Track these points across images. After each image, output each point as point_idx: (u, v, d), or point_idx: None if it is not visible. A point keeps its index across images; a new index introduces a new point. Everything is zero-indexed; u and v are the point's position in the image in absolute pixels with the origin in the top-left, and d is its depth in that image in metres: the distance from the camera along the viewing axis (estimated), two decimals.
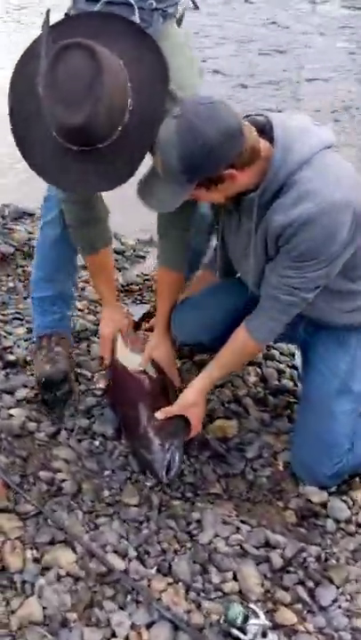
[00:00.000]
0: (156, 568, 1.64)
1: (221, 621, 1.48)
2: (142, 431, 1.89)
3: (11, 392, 2.17)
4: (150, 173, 1.62)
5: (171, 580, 1.61)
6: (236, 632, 1.45)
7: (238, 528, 1.75)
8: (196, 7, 1.88)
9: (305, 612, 1.56)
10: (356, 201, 1.57)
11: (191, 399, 1.87)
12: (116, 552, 1.66)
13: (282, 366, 2.37)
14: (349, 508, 1.82)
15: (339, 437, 1.81)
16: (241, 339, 1.82)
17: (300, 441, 1.89)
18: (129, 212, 2.93)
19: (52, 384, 2.10)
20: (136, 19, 1.64)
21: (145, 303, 2.70)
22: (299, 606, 1.57)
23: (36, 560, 1.63)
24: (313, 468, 1.83)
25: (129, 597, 1.55)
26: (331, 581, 1.62)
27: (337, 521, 1.78)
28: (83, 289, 2.76)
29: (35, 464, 1.92)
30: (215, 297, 2.07)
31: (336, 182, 1.55)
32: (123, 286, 2.82)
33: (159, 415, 1.87)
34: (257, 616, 1.47)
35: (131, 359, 2.11)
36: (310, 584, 1.61)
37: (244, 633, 1.44)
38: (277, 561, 1.65)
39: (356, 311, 1.84)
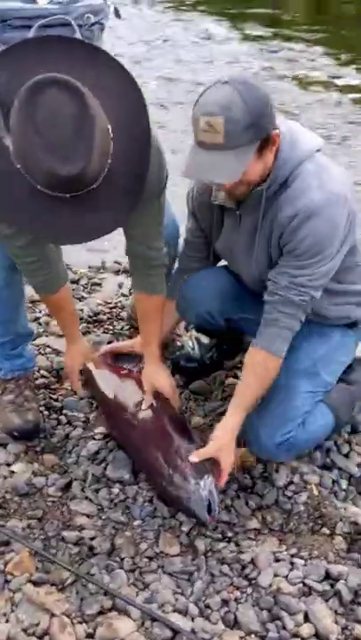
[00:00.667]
0: (220, 621, 1.50)
1: None
2: (171, 471, 1.74)
3: (3, 444, 1.96)
4: (198, 150, 1.54)
5: (242, 632, 1.48)
6: None
7: (293, 563, 1.64)
8: (118, 16, 1.79)
9: None
10: (350, 198, 1.67)
11: (226, 440, 1.75)
12: (176, 611, 1.51)
13: None
14: None
15: (296, 411, 1.80)
16: (260, 360, 1.76)
17: (260, 408, 1.82)
18: None
19: (23, 436, 1.98)
20: (78, 36, 1.52)
21: (117, 333, 2.54)
22: None
23: (90, 636, 1.45)
24: (265, 435, 1.78)
25: None
26: None
27: None
28: (47, 323, 2.57)
29: (54, 524, 1.73)
30: (221, 269, 2.06)
31: (335, 178, 1.66)
32: (90, 317, 2.65)
33: (193, 459, 1.73)
34: None
35: (125, 388, 1.98)
36: None
37: None
38: (346, 593, 1.56)
39: (343, 305, 1.90)
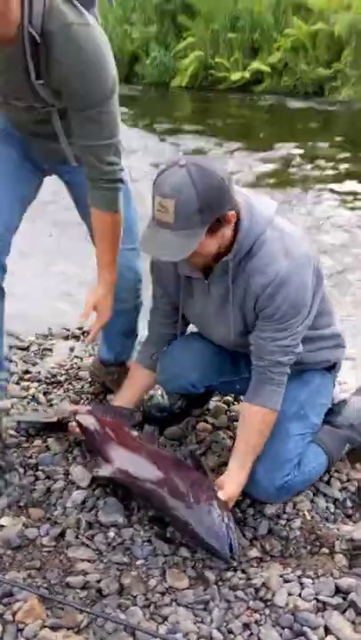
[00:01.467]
0: None
1: None
2: (193, 508, 1.71)
3: None
4: (153, 226, 1.61)
5: None
6: None
7: (302, 583, 1.66)
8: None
9: None
10: (313, 255, 1.79)
11: (237, 493, 1.81)
12: (200, 638, 1.48)
13: None
14: None
15: (290, 454, 1.87)
16: (259, 416, 1.82)
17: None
18: (22, 308, 2.87)
19: None
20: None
21: (78, 392, 2.53)
22: None
23: None
24: (264, 480, 1.85)
25: None
26: None
27: None
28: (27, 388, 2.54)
29: (55, 572, 1.66)
30: (195, 338, 2.08)
31: (295, 239, 1.75)
32: (47, 379, 2.63)
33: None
34: None
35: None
36: None
37: None
38: (360, 603, 1.59)
39: (320, 350, 1.99)
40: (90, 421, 2.02)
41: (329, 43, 10.57)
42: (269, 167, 6.45)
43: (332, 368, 2.07)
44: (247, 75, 10.94)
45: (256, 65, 10.94)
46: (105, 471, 1.88)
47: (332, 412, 2.10)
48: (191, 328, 2.12)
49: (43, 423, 2.22)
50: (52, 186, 2.22)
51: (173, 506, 1.73)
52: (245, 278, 1.73)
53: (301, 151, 7.06)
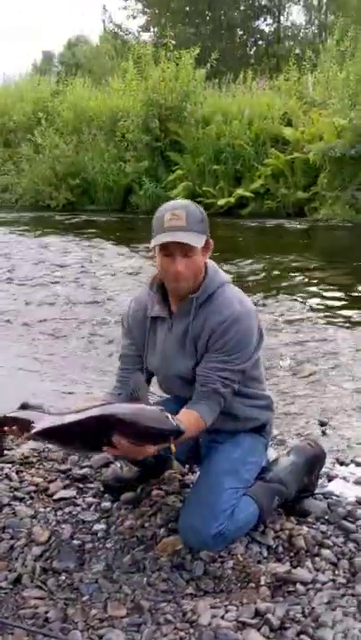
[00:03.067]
0: None
1: None
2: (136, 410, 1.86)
3: None
4: (165, 231, 2.02)
5: None
6: None
7: (227, 610, 1.87)
8: None
9: None
10: (257, 318, 2.17)
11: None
12: None
13: None
14: (310, 572, 2.04)
15: (224, 505, 2.11)
16: (193, 420, 2.05)
17: (192, 506, 2.15)
18: None
19: None
20: None
21: (49, 470, 2.81)
22: None
23: None
24: (200, 529, 2.08)
25: None
26: (325, 625, 1.80)
27: (304, 583, 1.99)
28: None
29: (10, 607, 1.89)
30: None
31: (246, 300, 2.18)
32: (21, 460, 2.90)
33: None
34: None
35: None
36: (310, 631, 1.78)
37: None
38: (275, 621, 1.80)
39: (251, 407, 2.28)
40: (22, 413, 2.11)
41: (305, 169, 11.50)
42: (253, 278, 6.95)
43: (262, 429, 2.35)
44: (232, 200, 11.83)
45: (240, 191, 11.85)
46: (43, 424, 1.96)
47: (265, 469, 2.36)
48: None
49: None
50: None
51: (121, 416, 1.84)
52: (204, 317, 2.11)
53: (282, 263, 7.60)
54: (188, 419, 2.02)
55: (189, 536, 2.12)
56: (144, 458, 2.10)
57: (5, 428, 2.14)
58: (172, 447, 1.86)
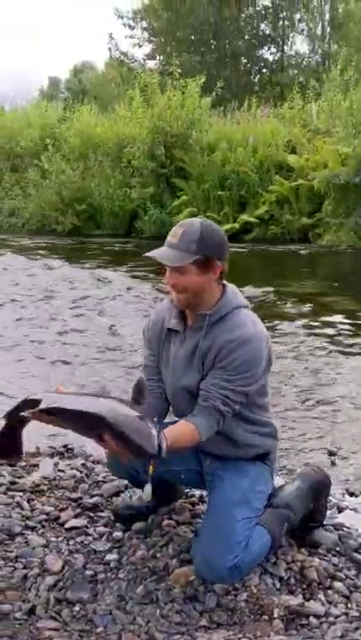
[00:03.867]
0: None
1: None
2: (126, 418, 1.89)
3: None
4: (162, 246, 2.11)
5: None
6: None
7: None
8: None
9: None
10: (268, 344, 2.19)
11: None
12: None
13: None
14: (323, 604, 2.05)
15: (238, 536, 2.11)
16: (189, 431, 2.09)
17: (205, 540, 2.15)
18: None
19: None
20: None
21: (59, 498, 2.82)
22: None
23: None
24: (215, 562, 2.07)
25: None
26: None
27: (317, 616, 2.00)
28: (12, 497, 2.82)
29: (25, 639, 1.89)
30: None
31: (260, 324, 2.19)
32: (32, 488, 2.92)
33: None
34: None
35: None
36: None
37: None
38: None
39: (253, 434, 2.28)
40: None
41: (310, 196, 11.63)
42: (257, 303, 7.00)
43: (265, 457, 2.36)
44: (237, 225, 11.94)
45: (245, 217, 11.97)
46: (47, 402, 2.00)
47: (271, 495, 2.37)
48: None
49: None
50: None
51: (110, 420, 1.88)
52: (215, 335, 2.13)
53: (287, 289, 7.66)
54: (184, 430, 2.08)
55: (204, 569, 2.11)
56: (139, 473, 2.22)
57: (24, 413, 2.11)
58: (150, 468, 1.94)
